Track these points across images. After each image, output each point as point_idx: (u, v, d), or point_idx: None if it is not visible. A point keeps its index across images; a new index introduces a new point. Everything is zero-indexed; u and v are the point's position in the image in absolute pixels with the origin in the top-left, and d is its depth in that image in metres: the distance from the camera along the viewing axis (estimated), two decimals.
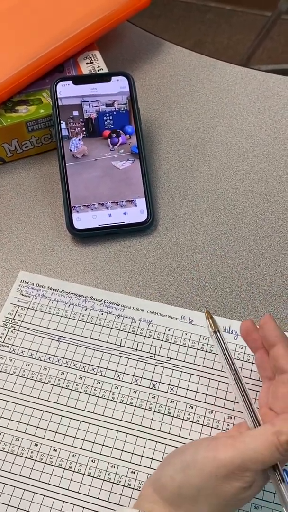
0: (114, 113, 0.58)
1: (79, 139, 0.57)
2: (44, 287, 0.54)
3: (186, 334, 0.51)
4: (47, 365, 0.50)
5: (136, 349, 0.50)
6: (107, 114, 0.58)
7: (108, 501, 0.44)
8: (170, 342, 0.51)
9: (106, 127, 0.58)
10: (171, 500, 0.36)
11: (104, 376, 0.49)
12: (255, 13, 1.92)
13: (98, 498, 0.44)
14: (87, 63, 0.63)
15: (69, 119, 0.58)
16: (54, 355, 0.50)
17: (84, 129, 0.58)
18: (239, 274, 0.55)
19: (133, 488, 0.44)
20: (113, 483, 0.44)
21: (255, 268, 0.55)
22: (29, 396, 0.48)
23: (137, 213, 0.56)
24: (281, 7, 1.57)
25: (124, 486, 0.44)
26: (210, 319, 0.43)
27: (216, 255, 0.56)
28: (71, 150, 0.57)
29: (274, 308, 0.52)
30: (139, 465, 0.45)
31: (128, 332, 0.51)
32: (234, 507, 0.37)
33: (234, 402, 0.48)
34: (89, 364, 0.50)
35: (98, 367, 0.49)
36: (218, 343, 0.42)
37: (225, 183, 0.60)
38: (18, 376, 0.49)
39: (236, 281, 0.54)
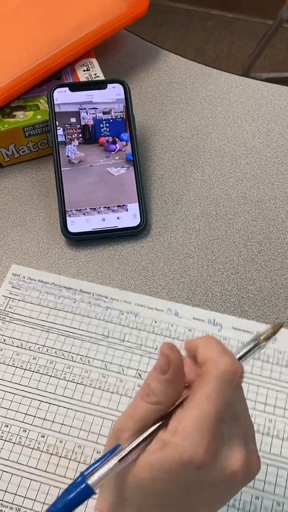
0: (111, 120, 0.60)
1: (75, 145, 0.59)
2: (35, 280, 0.55)
3: (172, 326, 0.53)
4: (37, 354, 0.51)
5: (123, 340, 0.52)
6: (104, 122, 0.59)
7: None
8: (156, 334, 0.52)
9: (102, 134, 0.59)
10: None
11: (91, 365, 0.51)
12: (256, 21, 1.94)
13: None
14: (84, 70, 0.64)
15: (67, 125, 0.59)
16: (44, 345, 0.52)
17: (80, 135, 0.59)
18: (229, 279, 0.56)
19: None
20: None
21: (245, 273, 0.56)
22: (19, 384, 0.50)
23: (130, 218, 0.57)
24: (282, 16, 1.59)
25: None
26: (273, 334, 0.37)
27: (207, 260, 0.57)
28: (68, 156, 0.58)
29: (262, 312, 0.53)
30: None
31: (116, 323, 0.53)
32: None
33: None
34: (77, 354, 0.51)
35: (86, 357, 0.51)
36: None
37: (217, 189, 0.61)
38: (8, 365, 0.51)
39: (226, 285, 0.55)
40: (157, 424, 0.33)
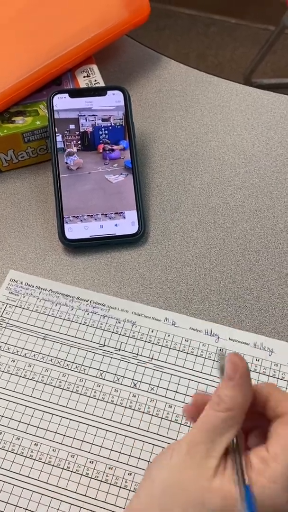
0: (110, 127, 0.59)
1: (74, 152, 0.59)
2: (33, 286, 0.55)
3: (168, 335, 0.53)
4: (32, 362, 0.51)
5: (119, 349, 0.52)
6: (103, 129, 0.59)
7: (85, 495, 0.45)
8: (153, 343, 0.52)
9: (101, 141, 0.59)
10: None
11: (87, 374, 0.51)
12: (258, 27, 1.94)
13: (76, 492, 0.45)
14: (84, 77, 0.64)
15: (66, 132, 0.59)
16: (39, 353, 0.52)
17: (79, 142, 0.59)
18: (226, 287, 0.55)
19: (110, 484, 0.45)
20: (91, 478, 0.46)
21: (242, 283, 0.56)
22: (13, 391, 0.50)
23: (128, 225, 0.57)
24: (285, 22, 1.59)
25: (102, 481, 0.46)
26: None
27: (204, 269, 0.57)
28: (66, 163, 0.58)
29: (259, 322, 0.53)
30: (117, 461, 0.47)
31: (112, 332, 0.53)
32: None
33: None
34: (73, 362, 0.51)
35: (82, 365, 0.51)
36: None
37: (216, 197, 0.61)
38: (3, 372, 0.51)
39: (224, 294, 0.55)
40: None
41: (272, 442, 0.34)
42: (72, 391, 0.50)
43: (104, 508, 0.45)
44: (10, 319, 0.53)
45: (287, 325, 0.53)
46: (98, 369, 0.51)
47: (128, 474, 0.46)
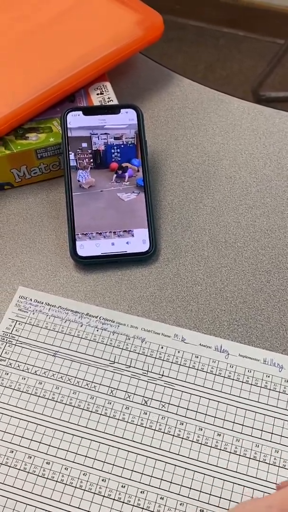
0: (122, 146, 0.60)
1: (86, 171, 0.59)
2: (42, 303, 0.55)
3: (178, 352, 0.53)
4: (42, 379, 0.51)
5: (130, 366, 0.52)
6: (115, 147, 0.60)
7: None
8: (163, 360, 0.52)
9: (113, 160, 0.59)
10: None
11: (97, 391, 0.51)
12: (267, 40, 1.95)
13: (89, 511, 0.45)
14: (97, 94, 0.64)
15: (78, 150, 0.59)
16: (50, 370, 0.52)
17: (92, 160, 0.59)
18: (237, 308, 0.56)
19: (123, 502, 0.45)
20: (103, 496, 0.46)
21: (253, 303, 0.56)
22: (24, 409, 0.50)
23: (139, 243, 0.58)
24: None
25: (114, 499, 0.46)
26: None
27: (215, 288, 0.57)
28: (78, 181, 0.59)
29: (270, 344, 0.53)
30: (129, 479, 0.47)
31: (122, 349, 0.53)
32: None
33: (224, 420, 0.49)
34: (83, 379, 0.51)
35: (92, 382, 0.51)
36: None
37: (227, 216, 0.61)
38: (14, 389, 0.51)
39: (234, 315, 0.55)
40: None
41: None
42: (83, 409, 0.50)
43: None
44: (20, 336, 0.54)
45: None
46: (109, 386, 0.51)
47: (141, 492, 0.46)
